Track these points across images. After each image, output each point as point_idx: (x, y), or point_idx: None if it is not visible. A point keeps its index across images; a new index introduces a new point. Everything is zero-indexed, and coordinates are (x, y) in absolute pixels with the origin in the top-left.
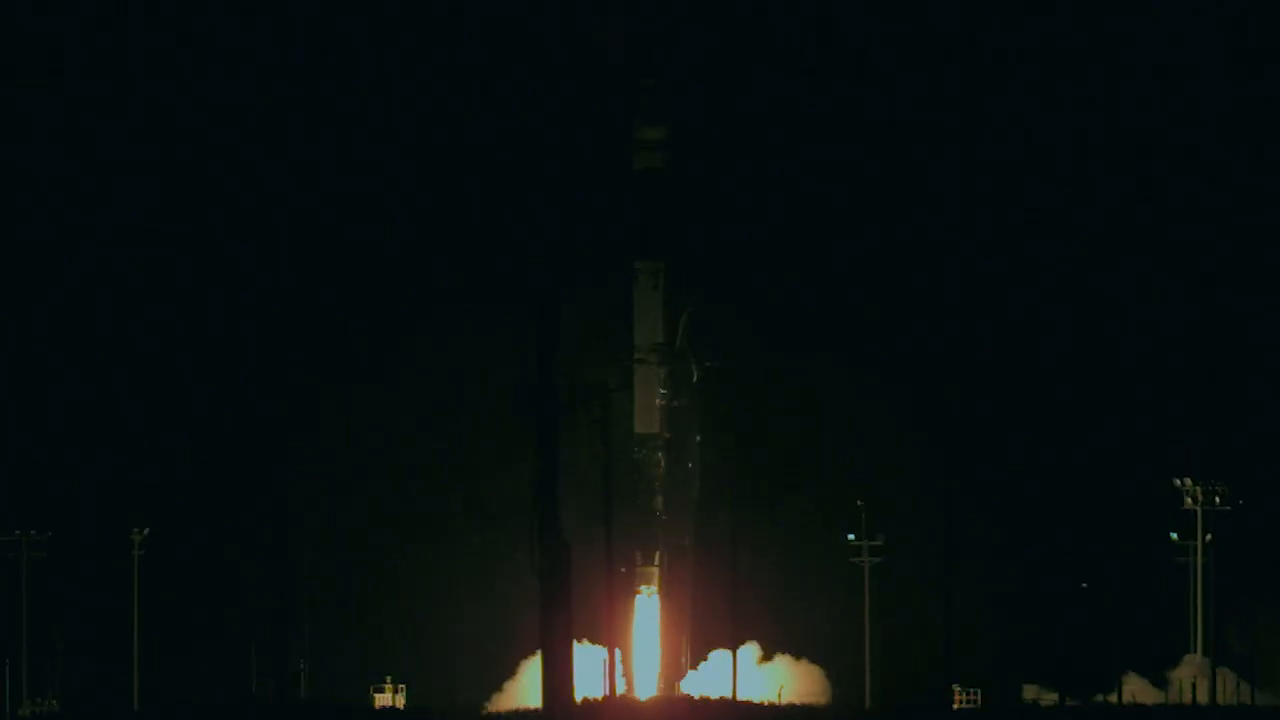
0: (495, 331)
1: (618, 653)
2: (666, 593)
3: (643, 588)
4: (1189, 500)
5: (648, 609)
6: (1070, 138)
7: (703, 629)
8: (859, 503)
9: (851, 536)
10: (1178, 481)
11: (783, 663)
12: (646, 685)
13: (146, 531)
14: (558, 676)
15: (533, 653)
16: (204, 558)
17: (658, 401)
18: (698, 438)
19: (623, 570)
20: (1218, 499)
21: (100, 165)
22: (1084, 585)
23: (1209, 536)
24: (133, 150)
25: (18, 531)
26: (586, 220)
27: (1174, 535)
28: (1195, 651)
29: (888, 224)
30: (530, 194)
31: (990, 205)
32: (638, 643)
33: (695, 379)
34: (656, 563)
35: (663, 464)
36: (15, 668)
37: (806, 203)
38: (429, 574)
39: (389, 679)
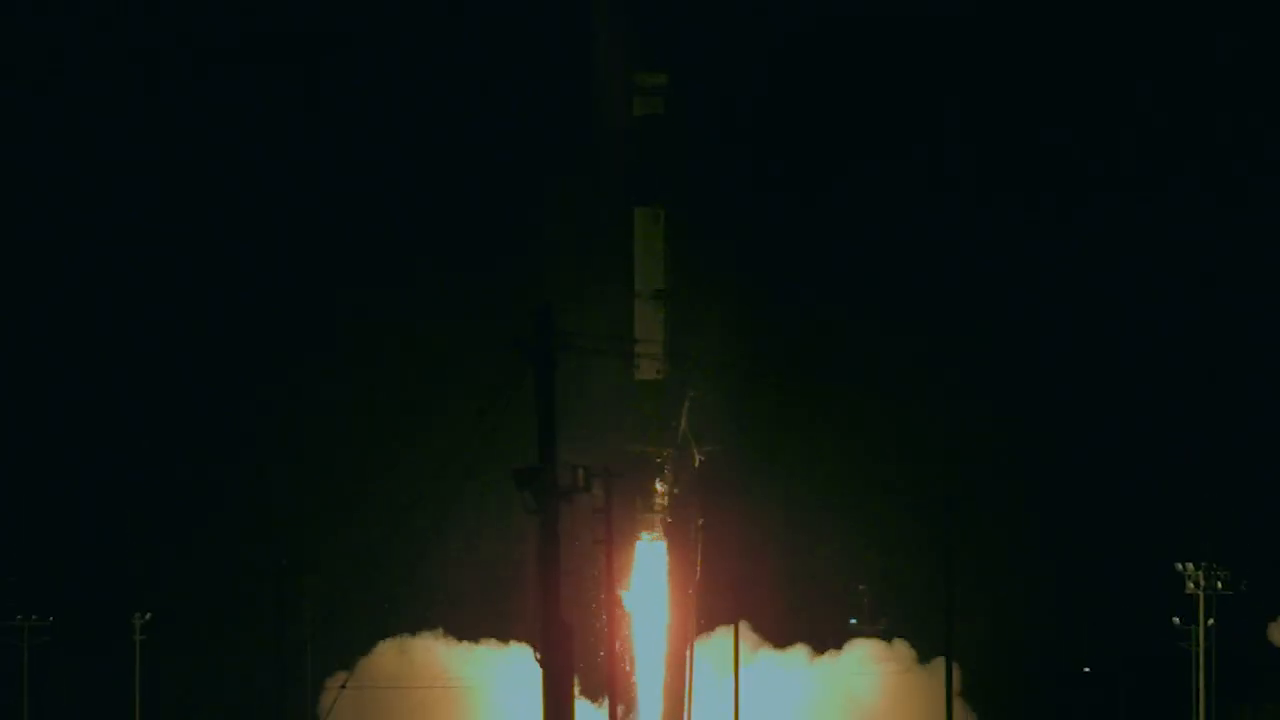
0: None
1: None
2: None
3: (643, 534)
4: (1191, 585)
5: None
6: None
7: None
8: (860, 588)
9: (854, 620)
10: (1180, 566)
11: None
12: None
13: (148, 616)
14: None
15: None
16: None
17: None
18: (700, 521)
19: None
20: (1220, 583)
21: (100, 165)
22: (1086, 670)
23: (1211, 621)
24: (133, 150)
25: (19, 617)
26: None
27: (1176, 619)
28: None
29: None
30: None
31: (990, 205)
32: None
33: (696, 464)
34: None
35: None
36: None
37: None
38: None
39: None
